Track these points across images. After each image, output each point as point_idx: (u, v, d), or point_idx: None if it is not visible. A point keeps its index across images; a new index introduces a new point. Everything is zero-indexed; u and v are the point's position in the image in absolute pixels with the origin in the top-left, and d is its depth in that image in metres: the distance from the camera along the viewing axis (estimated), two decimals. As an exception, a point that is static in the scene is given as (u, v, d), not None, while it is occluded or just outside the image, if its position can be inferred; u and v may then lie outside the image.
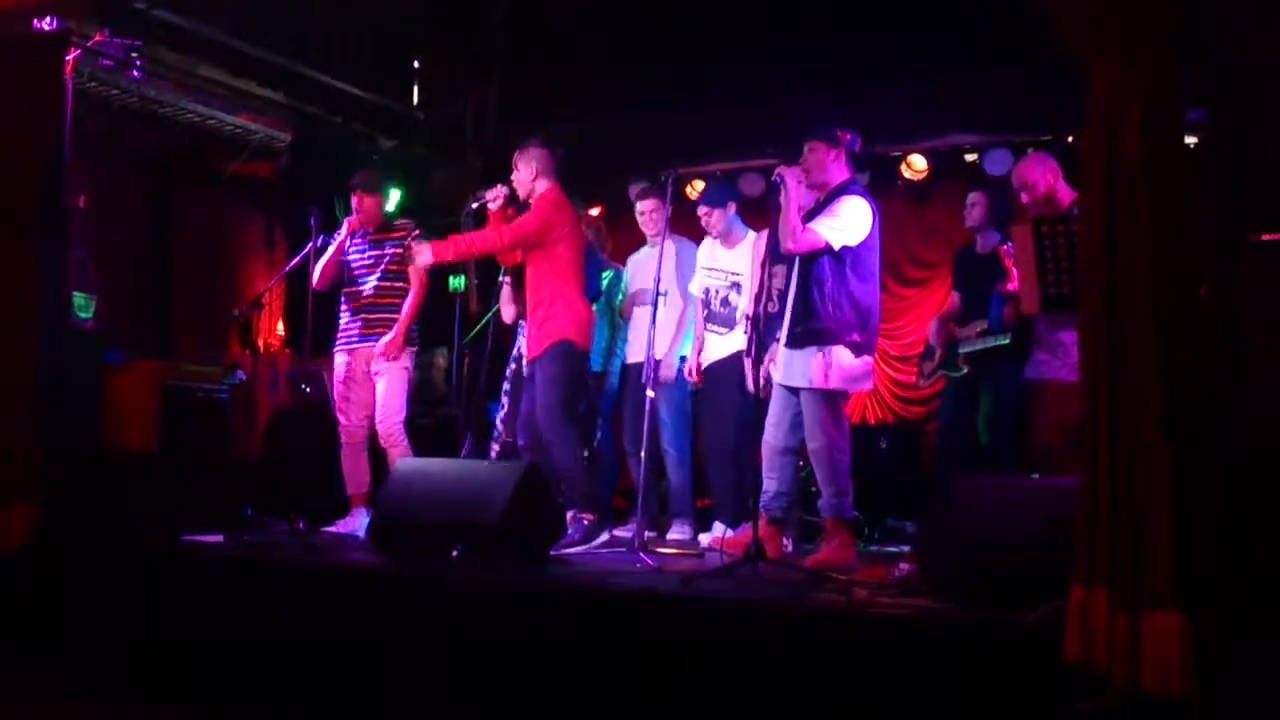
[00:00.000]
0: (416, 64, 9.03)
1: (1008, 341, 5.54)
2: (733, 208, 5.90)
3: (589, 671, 3.58)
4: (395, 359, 5.73)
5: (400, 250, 5.77)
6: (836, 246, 4.64)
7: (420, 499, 4.71)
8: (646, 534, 5.25)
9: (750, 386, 5.30)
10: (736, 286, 5.81)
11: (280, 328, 8.29)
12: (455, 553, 4.43)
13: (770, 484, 4.83)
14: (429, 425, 7.12)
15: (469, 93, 8.84)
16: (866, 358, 4.74)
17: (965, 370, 5.78)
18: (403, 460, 5.33)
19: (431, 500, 4.67)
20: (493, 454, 6.24)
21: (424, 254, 5.34)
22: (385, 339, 5.70)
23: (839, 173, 4.81)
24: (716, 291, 5.89)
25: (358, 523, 5.63)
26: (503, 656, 3.73)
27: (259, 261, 8.76)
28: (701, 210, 5.90)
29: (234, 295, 8.29)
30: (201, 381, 6.88)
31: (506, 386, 6.30)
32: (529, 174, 5.45)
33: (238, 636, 4.22)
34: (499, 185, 5.53)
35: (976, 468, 5.56)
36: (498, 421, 6.30)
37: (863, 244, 4.69)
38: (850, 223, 4.66)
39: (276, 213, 8.65)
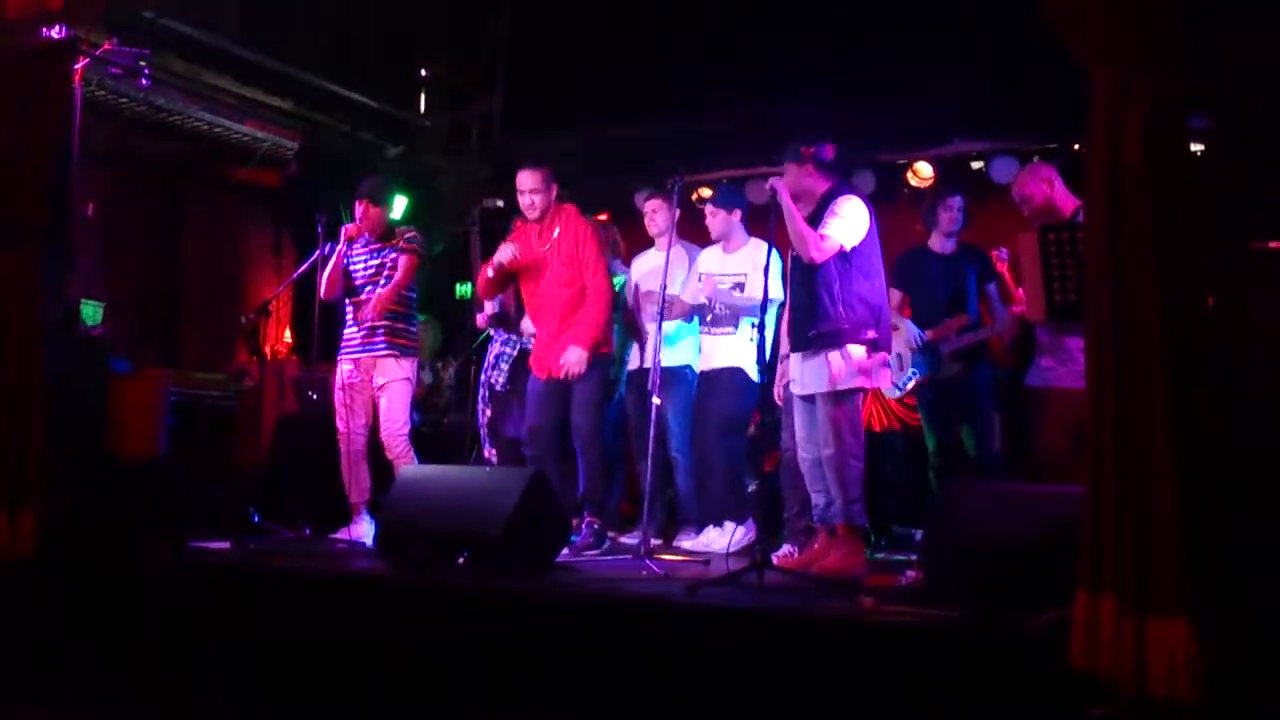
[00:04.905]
0: (423, 72, 9.06)
1: (995, 331, 5.68)
2: (738, 214, 5.93)
3: (595, 678, 3.57)
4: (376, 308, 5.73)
5: (395, 256, 5.80)
6: (849, 247, 4.70)
7: (425, 506, 4.72)
8: (653, 541, 5.26)
9: (776, 396, 5.33)
10: (739, 286, 5.84)
11: (287, 335, 8.31)
12: (461, 560, 4.44)
13: (819, 497, 4.84)
14: (433, 433, 7.14)
15: (475, 100, 8.87)
16: (883, 354, 4.78)
17: (956, 369, 5.75)
18: (407, 467, 5.34)
19: (437, 507, 4.67)
20: (490, 458, 6.39)
21: (579, 361, 5.48)
22: (412, 364, 5.78)
23: (818, 183, 4.86)
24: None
25: (362, 530, 5.64)
26: (508, 663, 3.73)
27: (266, 269, 8.78)
28: (708, 209, 5.96)
29: (241, 303, 8.31)
30: (208, 389, 6.90)
31: (486, 393, 6.37)
32: (550, 192, 5.65)
33: (243, 643, 4.22)
34: (509, 246, 5.62)
35: (976, 474, 5.56)
36: (484, 430, 6.44)
37: (864, 241, 4.75)
38: (853, 221, 4.72)
39: (284, 220, 8.67)
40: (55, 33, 4.90)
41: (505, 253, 5.62)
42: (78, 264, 6.00)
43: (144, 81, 6.10)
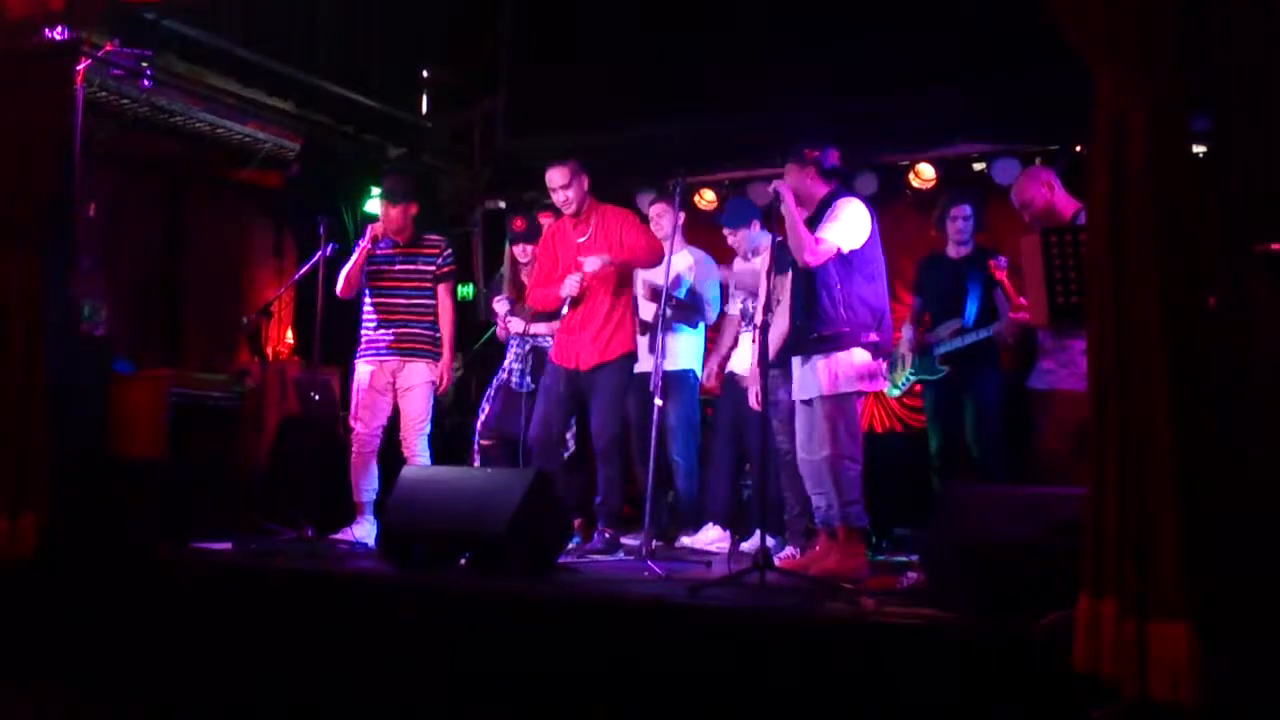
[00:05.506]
0: (425, 73, 9.07)
1: (990, 334, 5.64)
2: (756, 225, 5.94)
3: (597, 679, 3.57)
4: (448, 381, 5.86)
5: (427, 269, 5.81)
6: (846, 250, 4.69)
7: (428, 507, 4.72)
8: (654, 543, 5.26)
9: (753, 401, 5.30)
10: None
11: (289, 336, 8.31)
12: (463, 560, 4.44)
13: (820, 500, 4.83)
14: (435, 432, 7.13)
15: (476, 102, 8.87)
16: (880, 360, 4.78)
17: (945, 371, 5.78)
18: (410, 468, 5.33)
19: (439, 508, 4.67)
20: (475, 458, 6.37)
21: (594, 260, 5.39)
22: (439, 367, 5.80)
23: (818, 187, 4.86)
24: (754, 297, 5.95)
25: (365, 530, 5.64)
26: (510, 664, 3.73)
27: (268, 270, 8.79)
28: (726, 233, 5.95)
29: (243, 303, 8.32)
30: (210, 389, 6.90)
31: (490, 392, 6.37)
32: (582, 184, 5.54)
33: (245, 644, 4.22)
34: (574, 277, 5.48)
35: (976, 477, 5.56)
36: (479, 426, 6.42)
37: (865, 244, 4.75)
38: (852, 224, 4.72)
39: (285, 221, 8.68)
40: (57, 34, 4.90)
41: (572, 285, 5.45)
42: (80, 264, 6.01)
43: (146, 82, 6.11)
